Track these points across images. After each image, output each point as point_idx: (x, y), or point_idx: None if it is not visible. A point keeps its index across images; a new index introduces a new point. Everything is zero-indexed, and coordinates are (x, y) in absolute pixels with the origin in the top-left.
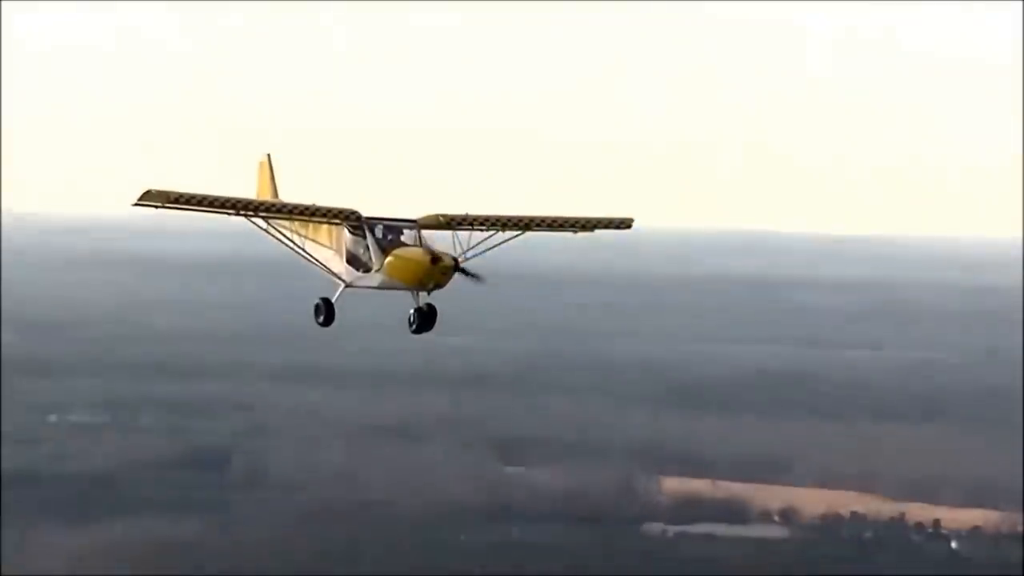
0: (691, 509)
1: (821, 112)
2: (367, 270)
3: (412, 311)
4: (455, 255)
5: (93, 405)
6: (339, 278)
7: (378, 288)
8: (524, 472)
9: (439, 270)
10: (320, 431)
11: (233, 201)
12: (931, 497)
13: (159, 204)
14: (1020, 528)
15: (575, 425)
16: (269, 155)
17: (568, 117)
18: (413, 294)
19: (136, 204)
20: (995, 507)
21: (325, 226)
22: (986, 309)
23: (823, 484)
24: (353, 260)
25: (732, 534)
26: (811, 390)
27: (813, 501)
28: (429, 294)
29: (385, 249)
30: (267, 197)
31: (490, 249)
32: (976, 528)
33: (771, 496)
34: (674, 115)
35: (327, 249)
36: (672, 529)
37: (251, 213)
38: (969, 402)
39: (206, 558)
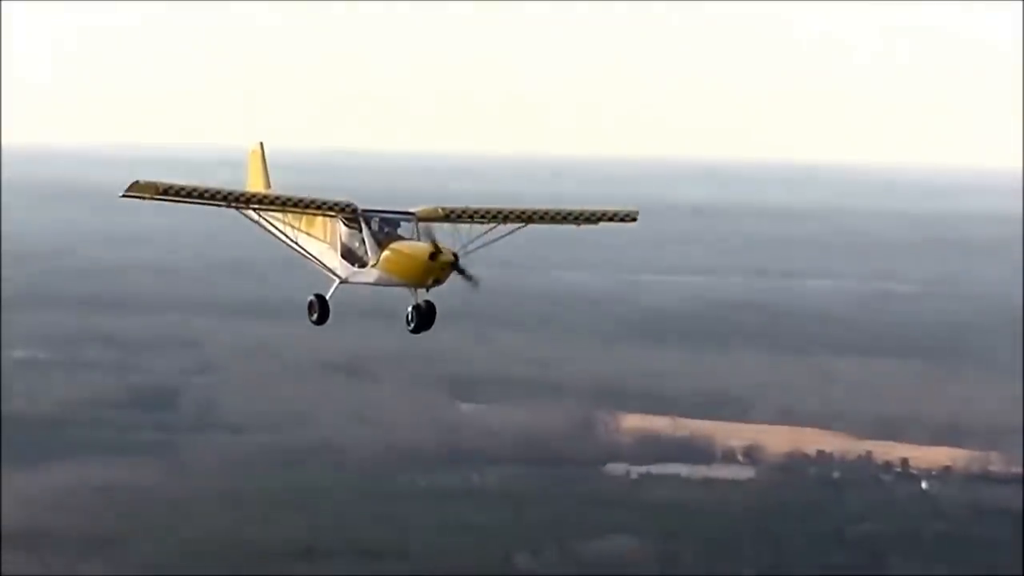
0: (653, 449)
1: (774, 40)
2: (363, 265)
3: (410, 308)
4: (455, 250)
5: (38, 341)
6: (334, 273)
7: (374, 284)
8: (479, 410)
9: (438, 266)
10: (269, 369)
11: (225, 193)
12: (897, 435)
13: (148, 196)
14: (990, 468)
15: (529, 361)
16: (261, 143)
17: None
18: (411, 290)
19: (124, 196)
20: (963, 446)
21: (319, 219)
22: (940, 238)
23: (785, 421)
24: (348, 254)
25: (697, 475)
26: (767, 322)
27: (777, 439)
28: (428, 291)
29: (381, 243)
30: (259, 186)
31: (491, 242)
32: (947, 468)
33: (734, 434)
34: (624, 44)
35: (321, 243)
36: (635, 470)
37: (243, 205)
38: (929, 334)
39: (154, 501)
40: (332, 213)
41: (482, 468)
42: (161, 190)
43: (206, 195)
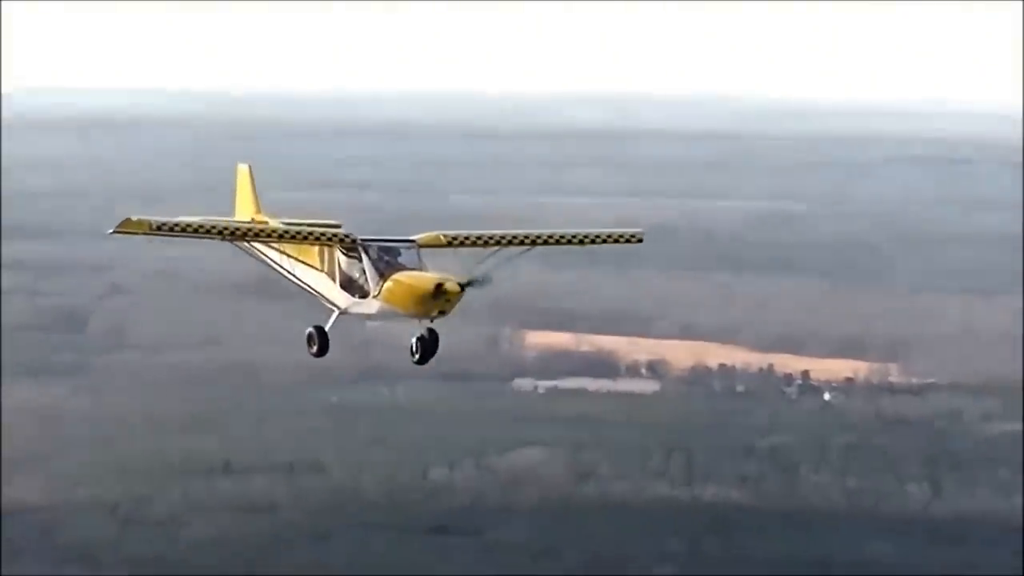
0: (559, 364)
1: None
2: (363, 295)
3: (415, 340)
4: (459, 279)
5: None
6: (333, 304)
7: (376, 316)
8: (388, 327)
9: (443, 298)
10: (179, 291)
11: (220, 227)
12: (797, 348)
13: (139, 233)
14: (890, 379)
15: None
16: (249, 165)
17: None
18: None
19: (114, 232)
20: (862, 358)
21: (317, 248)
22: (829, 159)
23: (687, 336)
24: (348, 285)
25: (603, 388)
26: (666, 241)
27: (680, 354)
28: (432, 321)
29: (383, 273)
30: (249, 208)
31: (495, 267)
32: (848, 380)
33: (637, 349)
34: None
35: (319, 272)
36: (542, 384)
37: (239, 239)
38: (823, 252)
39: (72, 420)
40: (330, 244)
41: (393, 384)
42: (154, 227)
43: (201, 230)
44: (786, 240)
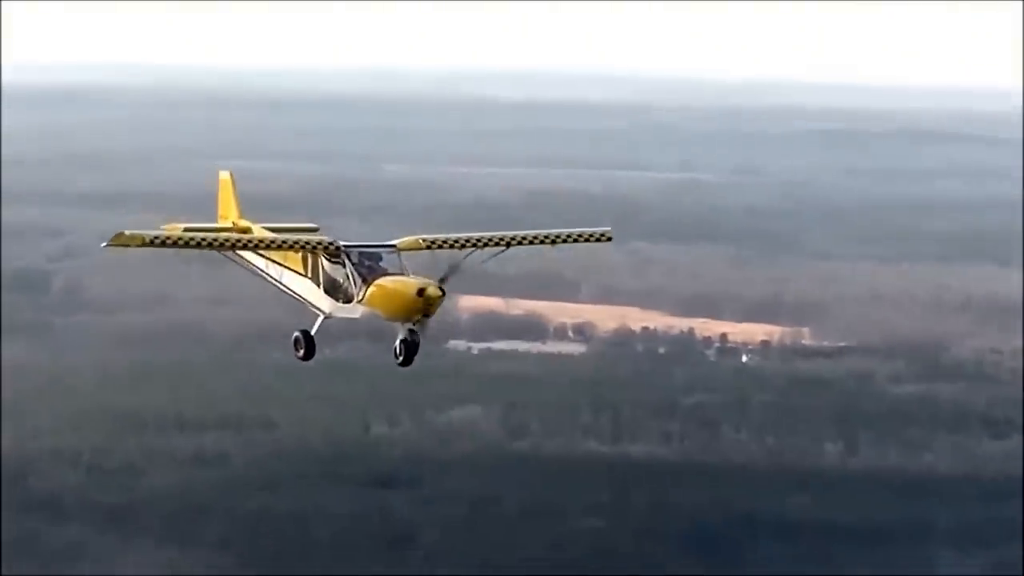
0: (490, 327)
1: None
2: (348, 300)
3: (398, 343)
4: (439, 283)
5: None
6: (318, 309)
7: (361, 320)
8: None
9: (425, 302)
10: (130, 254)
11: (211, 239)
12: (714, 313)
13: (132, 245)
14: (803, 342)
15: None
16: (231, 172)
17: None
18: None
19: (108, 246)
20: (775, 322)
21: (300, 254)
22: (737, 131)
23: (610, 301)
24: (332, 289)
25: (533, 350)
26: (585, 210)
27: (603, 317)
28: (415, 324)
29: (365, 278)
30: (231, 214)
31: (471, 266)
32: (764, 343)
33: (563, 313)
34: None
35: (304, 278)
36: (476, 346)
37: (228, 249)
38: (735, 221)
39: (32, 377)
40: (315, 252)
41: (334, 344)
42: (148, 241)
43: (192, 243)
44: (699, 209)
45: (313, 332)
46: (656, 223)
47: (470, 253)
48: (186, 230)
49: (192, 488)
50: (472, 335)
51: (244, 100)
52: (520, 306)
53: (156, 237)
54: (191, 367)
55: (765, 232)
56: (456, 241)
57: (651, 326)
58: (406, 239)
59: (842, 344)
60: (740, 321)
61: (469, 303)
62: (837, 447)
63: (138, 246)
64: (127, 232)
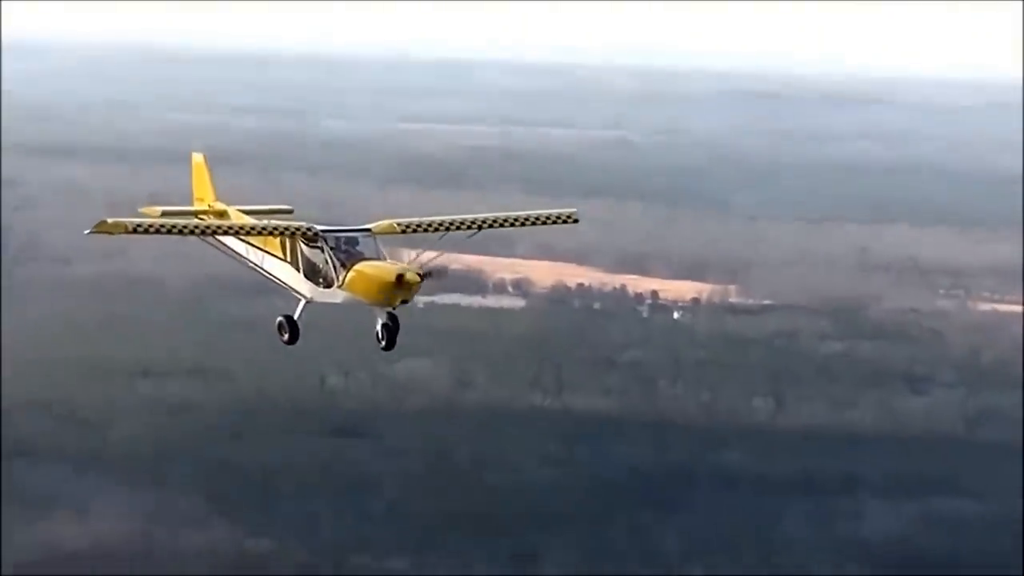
0: (433, 281)
1: None
2: (328, 285)
3: (379, 327)
4: (416, 268)
5: None
6: (299, 294)
7: (341, 304)
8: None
9: (404, 288)
10: (86, 206)
11: (192, 227)
12: (645, 270)
13: (116, 233)
14: (731, 300)
15: (312, 202)
16: (204, 156)
17: None
18: (376, 308)
19: (91, 233)
20: (704, 280)
21: (279, 239)
22: (663, 92)
23: (546, 257)
24: (312, 274)
25: (475, 304)
26: (519, 166)
27: (540, 273)
28: (394, 308)
29: (344, 263)
30: (206, 196)
31: (445, 251)
32: (695, 300)
33: (501, 268)
34: None
35: (284, 263)
36: (421, 299)
37: (209, 235)
38: (661, 179)
39: None
40: (291, 236)
41: (288, 299)
42: (131, 228)
43: (174, 230)
44: (629, 168)
45: (296, 317)
46: (588, 179)
47: (443, 236)
48: (164, 213)
49: (160, 436)
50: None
51: (187, 56)
52: (460, 260)
53: (139, 224)
54: (150, 318)
55: (693, 192)
56: (430, 225)
57: (586, 282)
58: (381, 223)
59: (768, 302)
60: (670, 278)
61: (410, 257)
62: (767, 403)
63: (121, 233)
64: (110, 220)
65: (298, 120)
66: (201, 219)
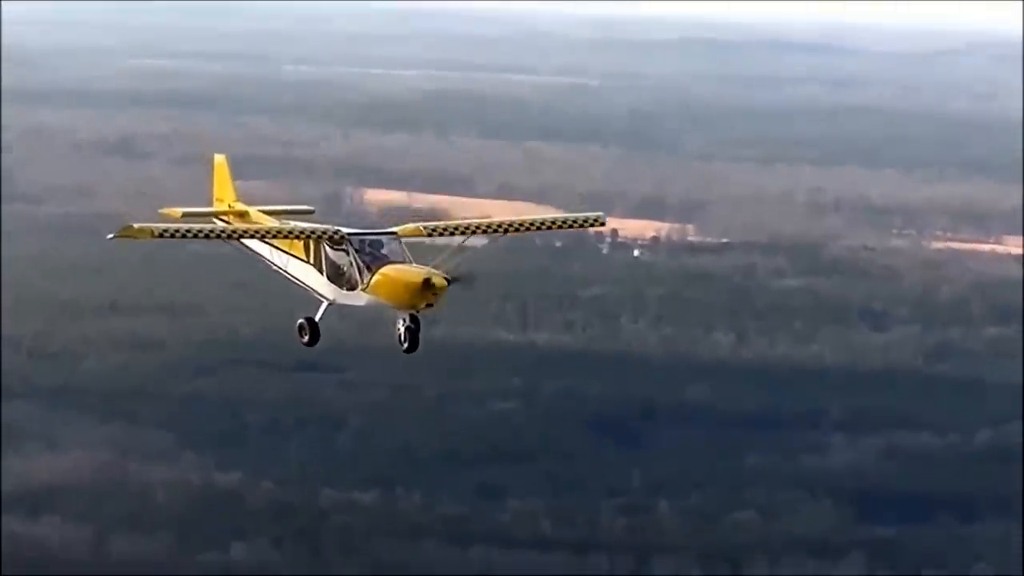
0: (399, 219)
1: None
2: (351, 288)
3: (402, 330)
4: (445, 273)
5: None
6: (321, 296)
7: (365, 308)
8: (241, 185)
9: (431, 292)
10: (56, 149)
11: (218, 231)
12: (604, 209)
13: (140, 238)
14: (688, 238)
15: (279, 143)
16: (226, 156)
17: None
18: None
19: (115, 238)
20: (662, 219)
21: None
22: (615, 39)
23: (506, 197)
24: (336, 276)
25: (440, 242)
26: (478, 110)
27: (501, 212)
28: (418, 312)
29: (369, 266)
30: (227, 197)
31: (468, 251)
32: (654, 239)
33: (463, 208)
34: None
35: (307, 264)
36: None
37: (234, 239)
38: (619, 123)
39: None
40: (317, 240)
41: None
42: (156, 234)
43: (200, 234)
44: (584, 111)
45: (317, 319)
46: (544, 123)
47: (468, 238)
48: (184, 215)
49: (130, 371)
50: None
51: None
52: (422, 200)
53: (165, 230)
54: (117, 256)
55: (649, 135)
56: (456, 228)
57: None
58: (407, 226)
59: (725, 240)
60: (630, 217)
61: (375, 197)
62: (728, 338)
63: (147, 239)
64: (135, 225)
65: (262, 65)
66: (223, 220)
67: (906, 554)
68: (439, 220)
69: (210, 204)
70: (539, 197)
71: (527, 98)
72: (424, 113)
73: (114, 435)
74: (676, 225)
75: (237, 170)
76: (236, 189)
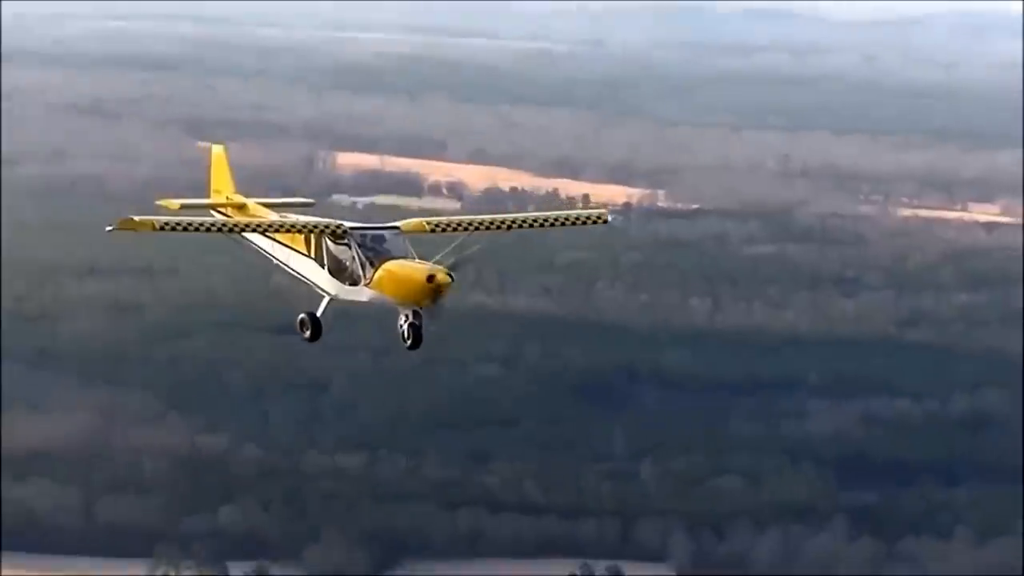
0: (370, 183)
1: None
2: (354, 283)
3: (405, 327)
4: (446, 268)
5: None
6: (323, 291)
7: (367, 303)
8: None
9: (434, 288)
10: (27, 110)
11: (219, 224)
12: (576, 174)
13: (141, 230)
14: (660, 204)
15: (252, 106)
16: (224, 147)
17: None
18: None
19: (114, 230)
20: (633, 185)
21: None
22: (579, 3)
23: (479, 161)
24: (337, 272)
25: (412, 205)
26: (449, 75)
27: (474, 176)
28: (421, 307)
29: (372, 261)
30: (225, 188)
31: (475, 248)
32: (626, 204)
33: (435, 171)
34: None
35: (308, 259)
36: (360, 200)
37: (236, 233)
38: (587, 88)
39: None
40: (320, 234)
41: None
42: (158, 227)
43: (202, 228)
44: (553, 77)
45: (319, 314)
46: (514, 87)
47: (470, 234)
48: (183, 206)
49: (110, 334)
50: (354, 190)
51: None
52: (395, 163)
53: (166, 223)
54: (91, 219)
55: (616, 101)
56: (459, 224)
57: (518, 186)
58: (410, 221)
59: (696, 206)
60: (601, 182)
61: (348, 160)
62: (704, 304)
63: (148, 231)
64: (136, 218)
65: (232, 27)
66: (222, 212)
67: (889, 519)
68: (410, 179)
69: (207, 195)
70: (510, 160)
71: (497, 63)
72: (395, 77)
73: (97, 398)
74: (647, 191)
75: (209, 133)
76: (234, 179)
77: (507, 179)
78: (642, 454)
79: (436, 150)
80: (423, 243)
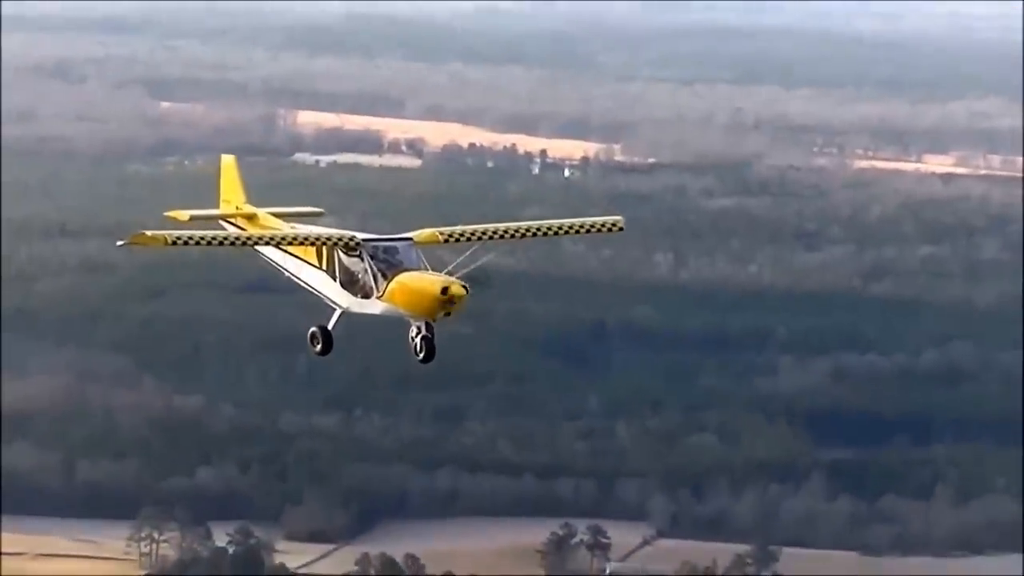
0: (331, 141)
1: None
2: (366, 295)
3: (418, 339)
4: (461, 280)
5: None
6: (335, 303)
7: (380, 315)
8: (176, 108)
9: (448, 301)
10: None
11: (232, 238)
12: (532, 129)
13: (153, 245)
14: (617, 158)
15: (212, 66)
16: (235, 157)
17: None
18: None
19: (125, 245)
20: (589, 139)
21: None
22: None
23: (436, 118)
24: (350, 284)
25: (374, 163)
26: (403, 33)
27: (432, 133)
28: (434, 320)
29: (384, 273)
30: (235, 199)
31: (487, 256)
32: (584, 159)
33: (394, 128)
34: None
35: (320, 271)
36: (323, 159)
37: (248, 246)
38: (540, 44)
39: None
40: (332, 246)
41: (190, 155)
42: (170, 242)
43: (214, 241)
44: (505, 33)
45: (330, 327)
46: (467, 46)
47: (478, 246)
48: (192, 218)
49: (83, 294)
50: (315, 148)
51: None
52: (354, 121)
53: (178, 237)
54: (64, 178)
55: (567, 55)
56: (472, 234)
57: (477, 142)
58: (423, 232)
59: (653, 160)
60: (557, 137)
61: (308, 118)
62: (668, 259)
63: (159, 247)
64: (148, 233)
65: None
66: (232, 223)
67: (867, 477)
68: (369, 137)
69: (217, 205)
70: (467, 116)
71: (444, 21)
72: (348, 36)
73: (71, 359)
74: (603, 146)
75: (171, 93)
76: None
77: (465, 135)
78: (615, 411)
79: (393, 108)
80: (434, 250)
